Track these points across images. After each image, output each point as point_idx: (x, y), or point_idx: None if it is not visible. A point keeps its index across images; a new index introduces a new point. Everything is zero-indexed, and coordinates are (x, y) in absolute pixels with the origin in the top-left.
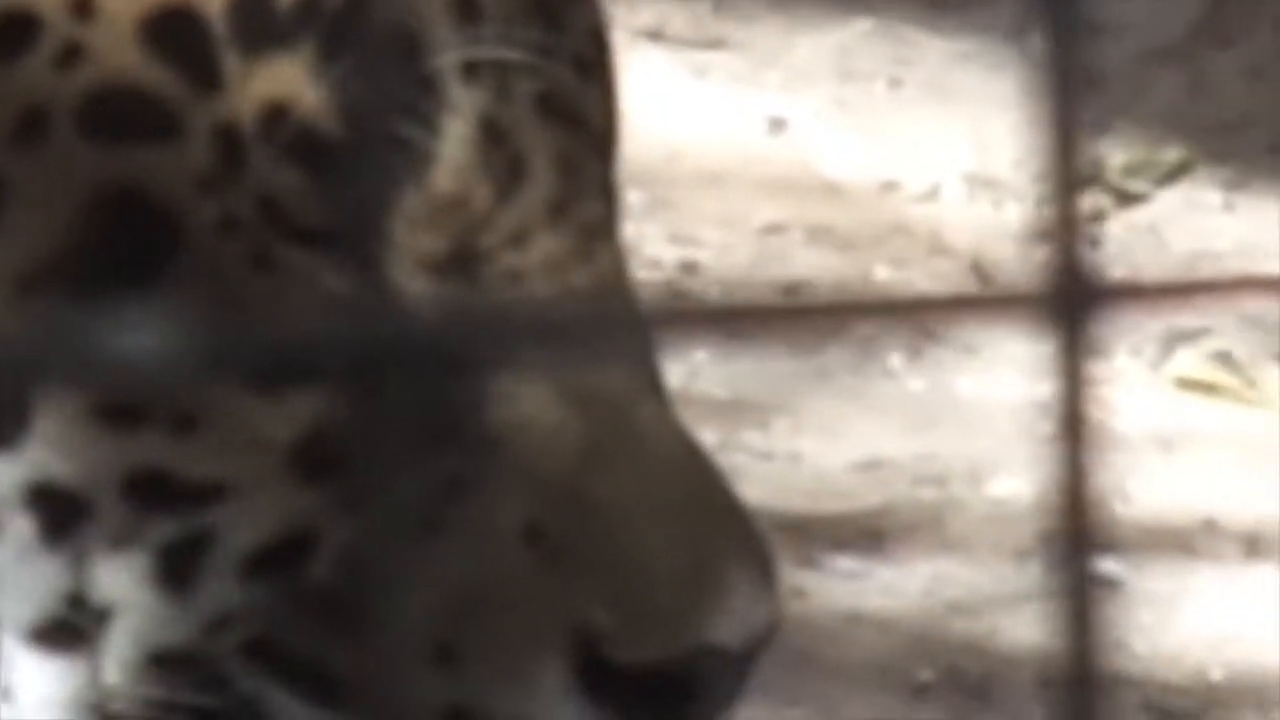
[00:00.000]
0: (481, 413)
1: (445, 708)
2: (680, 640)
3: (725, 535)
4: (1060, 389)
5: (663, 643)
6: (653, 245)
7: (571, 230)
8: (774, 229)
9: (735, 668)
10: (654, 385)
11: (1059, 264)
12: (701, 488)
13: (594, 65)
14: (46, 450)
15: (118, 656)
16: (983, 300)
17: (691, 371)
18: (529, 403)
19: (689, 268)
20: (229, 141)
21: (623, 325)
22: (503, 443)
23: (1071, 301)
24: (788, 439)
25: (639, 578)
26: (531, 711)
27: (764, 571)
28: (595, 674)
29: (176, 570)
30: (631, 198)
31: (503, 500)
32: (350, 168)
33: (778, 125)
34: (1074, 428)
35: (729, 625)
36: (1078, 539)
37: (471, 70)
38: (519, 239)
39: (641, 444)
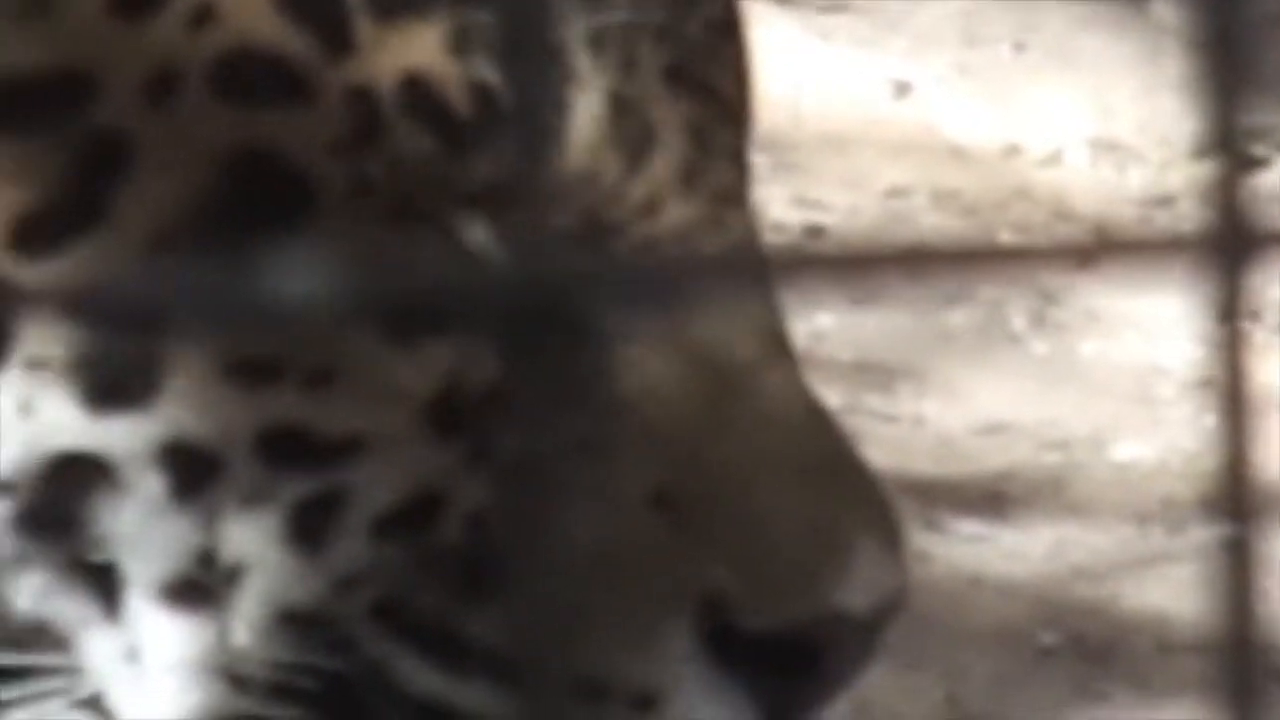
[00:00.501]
0: (610, 378)
1: (573, 672)
2: (807, 606)
3: (853, 501)
4: (1212, 344)
5: (790, 609)
6: (778, 209)
7: (703, 198)
8: (898, 192)
9: (862, 634)
10: (782, 349)
11: (1220, 211)
12: (829, 453)
13: (724, 32)
14: (179, 407)
15: (247, 616)
16: (1143, 246)
17: (816, 335)
18: (657, 368)
19: (814, 232)
20: (363, 106)
21: (752, 289)
22: (631, 408)
23: (1235, 246)
24: (912, 402)
25: (766, 544)
26: (658, 677)
27: (891, 537)
28: (722, 640)
29: (308, 529)
30: (756, 161)
31: (631, 465)
32: (482, 140)
33: (902, 89)
34: (1234, 380)
35: (856, 591)
36: (1239, 493)
37: (599, 42)
38: (650, 209)
39: (769, 409)
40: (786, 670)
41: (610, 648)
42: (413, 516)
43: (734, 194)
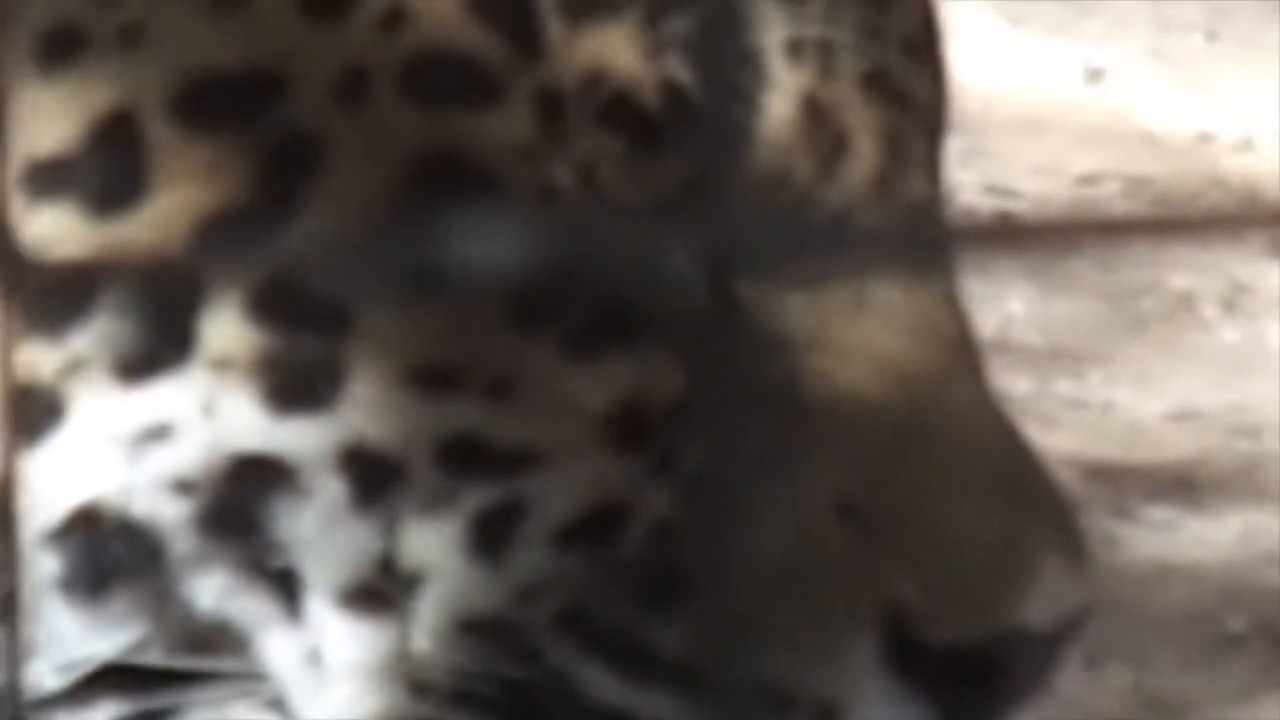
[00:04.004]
0: (797, 388)
1: (755, 683)
2: (991, 622)
3: (1038, 516)
4: None
5: (973, 623)
6: (968, 195)
7: (896, 211)
8: (1090, 180)
9: (1045, 650)
10: (970, 359)
11: None
12: (1016, 468)
13: (923, 43)
14: (361, 413)
15: (428, 623)
16: None
17: (1006, 321)
18: (845, 379)
19: (1004, 218)
20: (550, 109)
21: (940, 296)
22: (817, 418)
23: None
24: (1102, 388)
25: (951, 557)
26: (840, 688)
27: (1076, 554)
28: (904, 653)
29: (489, 538)
30: (948, 146)
31: (816, 475)
32: (671, 140)
33: (1095, 75)
34: None
35: (1040, 608)
36: None
37: (795, 48)
38: (842, 218)
39: (956, 422)
40: (968, 684)
41: (794, 658)
42: (595, 527)
43: (928, 208)
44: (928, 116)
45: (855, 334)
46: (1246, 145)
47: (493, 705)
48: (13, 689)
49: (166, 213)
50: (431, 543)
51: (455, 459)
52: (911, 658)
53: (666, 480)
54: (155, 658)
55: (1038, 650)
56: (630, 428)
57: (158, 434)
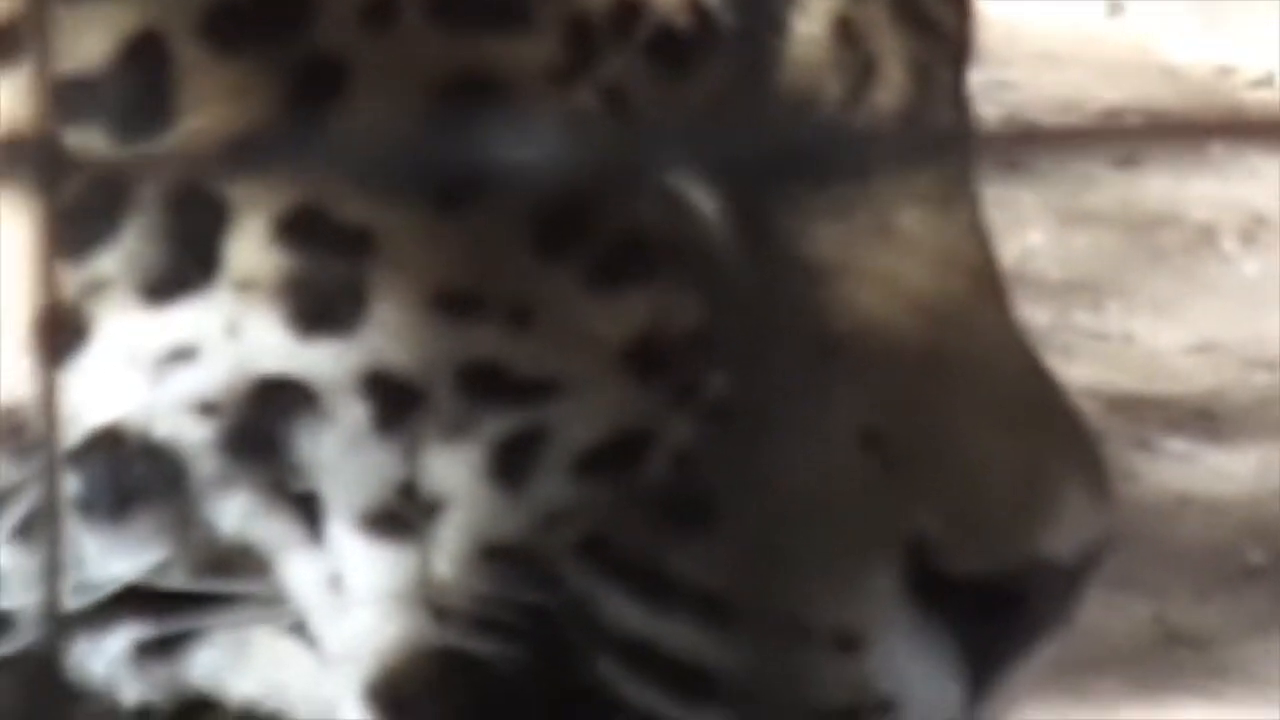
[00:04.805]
0: (824, 317)
1: (775, 611)
2: (1014, 552)
3: (1062, 448)
4: None
5: (996, 554)
6: (990, 128)
7: (923, 136)
8: (1112, 114)
9: (1067, 581)
10: (995, 288)
11: None
12: (1040, 400)
13: None
14: (383, 338)
15: (448, 549)
16: None
17: (1026, 253)
18: (871, 309)
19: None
20: (579, 33)
21: (965, 226)
22: (844, 348)
23: None
24: (1121, 320)
25: (974, 489)
26: (861, 619)
27: (1099, 486)
28: (927, 584)
29: (510, 465)
30: (970, 79)
31: (841, 405)
32: (698, 62)
33: (1116, 8)
34: None
35: (1062, 539)
36: None
37: None
38: (870, 143)
39: (982, 354)
40: (991, 615)
41: (815, 588)
42: (616, 455)
43: (953, 137)
44: (954, 46)
45: (881, 262)
46: (1267, 79)
47: (514, 632)
48: (49, 607)
49: (193, 134)
50: (453, 469)
51: (477, 385)
52: (934, 589)
53: (690, 408)
54: (176, 580)
55: (1060, 582)
56: (652, 356)
57: (182, 355)
